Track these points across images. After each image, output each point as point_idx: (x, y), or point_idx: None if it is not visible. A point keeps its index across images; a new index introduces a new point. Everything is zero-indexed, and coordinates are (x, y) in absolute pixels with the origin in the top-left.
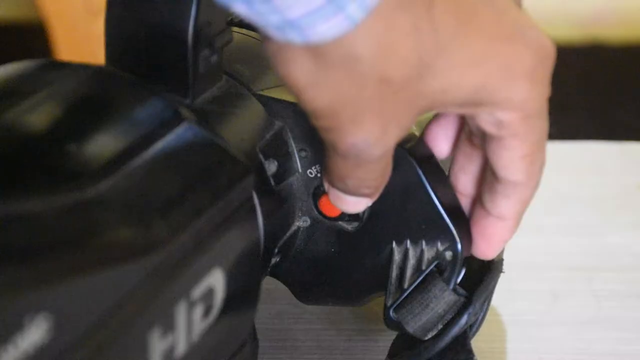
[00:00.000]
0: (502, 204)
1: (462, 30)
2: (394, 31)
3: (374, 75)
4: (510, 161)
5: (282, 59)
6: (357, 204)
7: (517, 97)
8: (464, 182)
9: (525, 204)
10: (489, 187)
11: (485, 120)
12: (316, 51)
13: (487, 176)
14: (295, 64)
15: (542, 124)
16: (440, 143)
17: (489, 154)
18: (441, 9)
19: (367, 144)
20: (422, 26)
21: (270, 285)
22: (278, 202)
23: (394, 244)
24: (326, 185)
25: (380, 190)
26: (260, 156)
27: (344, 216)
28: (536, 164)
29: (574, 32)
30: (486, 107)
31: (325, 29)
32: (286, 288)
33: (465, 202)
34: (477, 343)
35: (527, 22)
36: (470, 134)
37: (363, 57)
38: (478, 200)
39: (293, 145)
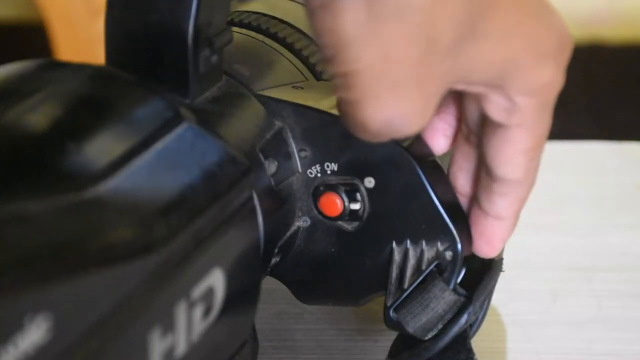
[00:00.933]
0: (500, 203)
1: (497, 2)
2: None
3: (423, 32)
4: (511, 155)
5: (330, 10)
6: None
7: (543, 77)
8: (463, 182)
9: (522, 202)
10: (485, 188)
11: (497, 105)
12: (371, 0)
13: (483, 177)
14: (346, 15)
15: (548, 119)
16: (439, 138)
17: (489, 151)
18: None
19: (405, 119)
20: None
21: (270, 285)
22: (278, 202)
23: (394, 244)
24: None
25: None
26: (260, 156)
27: (343, 216)
28: (535, 161)
29: (574, 32)
30: (508, 87)
31: None
32: (286, 288)
33: (464, 202)
34: (477, 343)
35: (552, 8)
36: (468, 134)
37: (417, 8)
38: (475, 200)
39: (293, 145)
